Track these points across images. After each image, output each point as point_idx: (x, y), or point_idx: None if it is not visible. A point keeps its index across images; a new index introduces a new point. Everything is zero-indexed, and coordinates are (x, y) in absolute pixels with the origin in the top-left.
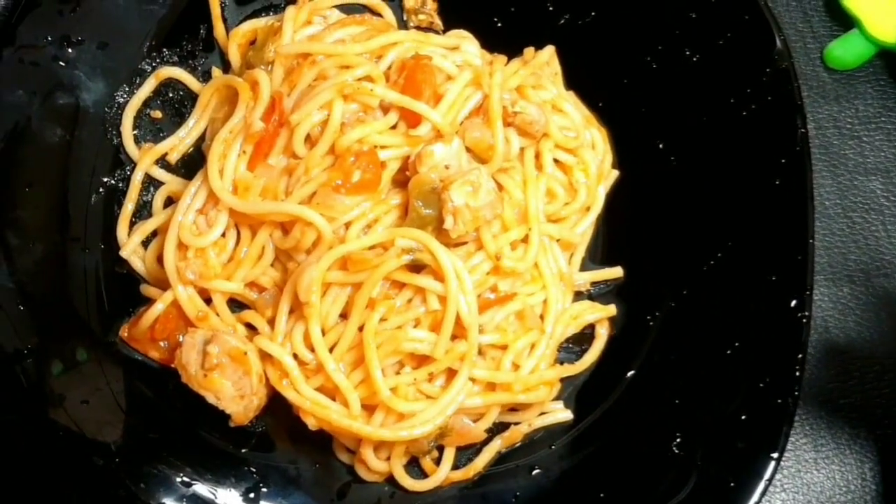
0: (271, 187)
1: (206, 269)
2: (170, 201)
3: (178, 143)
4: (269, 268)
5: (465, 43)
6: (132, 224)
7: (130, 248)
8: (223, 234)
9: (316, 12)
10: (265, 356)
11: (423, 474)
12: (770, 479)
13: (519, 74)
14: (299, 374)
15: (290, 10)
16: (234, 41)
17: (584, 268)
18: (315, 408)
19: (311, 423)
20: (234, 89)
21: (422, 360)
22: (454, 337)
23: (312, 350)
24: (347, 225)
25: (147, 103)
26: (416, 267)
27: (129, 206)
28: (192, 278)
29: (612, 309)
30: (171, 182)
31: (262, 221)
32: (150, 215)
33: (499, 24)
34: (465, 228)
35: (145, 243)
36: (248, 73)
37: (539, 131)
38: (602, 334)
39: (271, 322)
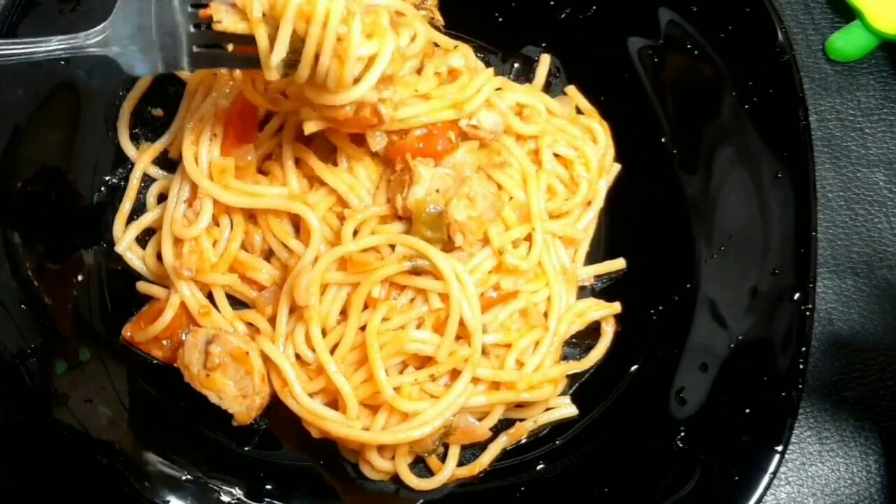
0: (243, 166)
1: (201, 263)
2: (163, 198)
3: (174, 138)
4: (268, 264)
5: (454, 56)
6: (130, 223)
7: (125, 244)
8: (217, 223)
9: None
10: (268, 357)
11: (428, 471)
12: (774, 473)
13: (483, 93)
14: (299, 385)
15: None
16: None
17: (586, 262)
18: (314, 419)
19: (314, 433)
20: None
21: (425, 359)
22: (458, 337)
23: (314, 350)
24: (340, 217)
25: (148, 101)
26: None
27: (126, 206)
28: (189, 275)
29: (617, 306)
30: (162, 179)
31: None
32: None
33: (500, 19)
34: (475, 238)
35: (144, 241)
36: None
37: (494, 137)
38: (608, 331)
39: (272, 320)
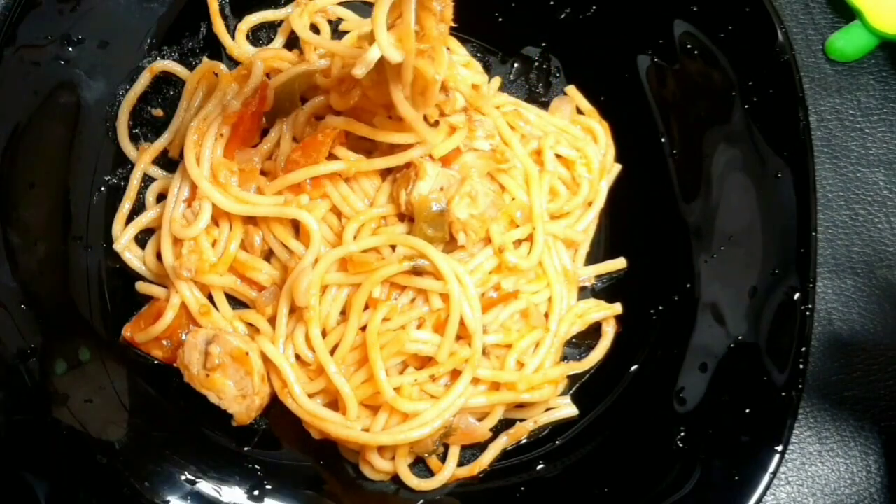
0: (247, 170)
1: (200, 264)
2: (162, 197)
3: (174, 137)
4: (267, 265)
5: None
6: (129, 223)
7: (123, 242)
8: (216, 224)
9: (315, 13)
10: (268, 358)
11: (428, 472)
12: (774, 472)
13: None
14: (298, 386)
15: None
16: (241, 32)
17: (586, 262)
18: (313, 420)
19: (314, 434)
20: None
21: (426, 359)
22: (458, 337)
23: (314, 351)
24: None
25: (148, 101)
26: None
27: (126, 205)
28: (189, 275)
29: (617, 307)
30: (162, 179)
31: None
32: None
33: (500, 20)
34: (478, 236)
35: (143, 241)
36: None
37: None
38: (608, 332)
39: (272, 321)
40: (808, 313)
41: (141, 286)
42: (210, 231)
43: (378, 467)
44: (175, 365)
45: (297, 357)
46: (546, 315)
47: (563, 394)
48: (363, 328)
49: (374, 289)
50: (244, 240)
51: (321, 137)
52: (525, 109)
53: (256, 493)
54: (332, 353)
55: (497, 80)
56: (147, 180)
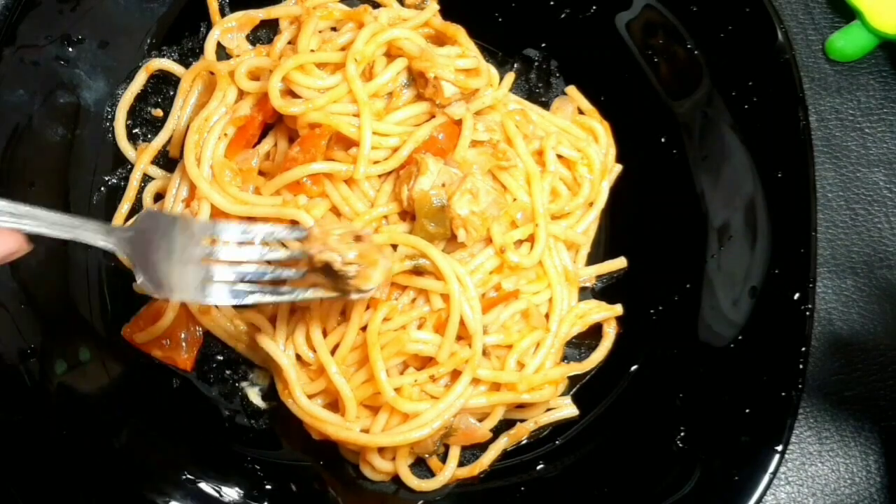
0: (246, 170)
1: None
2: (160, 197)
3: (171, 136)
4: None
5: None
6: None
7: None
8: None
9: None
10: (271, 357)
11: (429, 472)
12: (774, 473)
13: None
14: (299, 388)
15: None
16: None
17: (587, 262)
18: (313, 421)
19: (314, 435)
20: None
21: (426, 359)
22: (459, 338)
23: (315, 351)
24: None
25: (147, 101)
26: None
27: (125, 206)
28: None
29: (618, 308)
30: (160, 178)
31: None
32: None
33: (500, 20)
34: (478, 234)
35: None
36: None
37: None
38: (609, 333)
39: (272, 320)
40: (808, 313)
41: (138, 286)
42: None
43: (378, 468)
44: (177, 364)
45: (298, 357)
46: (547, 316)
47: (564, 394)
48: (363, 328)
49: None
50: None
51: (318, 132)
52: (529, 109)
53: (256, 493)
54: (332, 353)
55: (510, 77)
56: (147, 180)
